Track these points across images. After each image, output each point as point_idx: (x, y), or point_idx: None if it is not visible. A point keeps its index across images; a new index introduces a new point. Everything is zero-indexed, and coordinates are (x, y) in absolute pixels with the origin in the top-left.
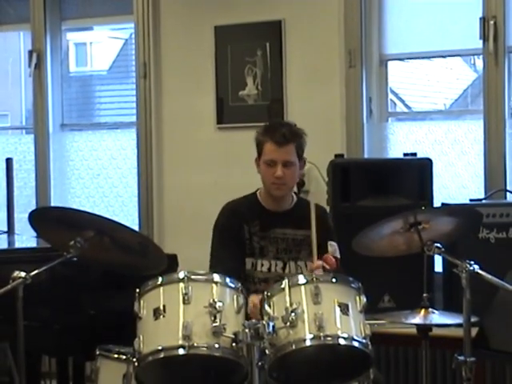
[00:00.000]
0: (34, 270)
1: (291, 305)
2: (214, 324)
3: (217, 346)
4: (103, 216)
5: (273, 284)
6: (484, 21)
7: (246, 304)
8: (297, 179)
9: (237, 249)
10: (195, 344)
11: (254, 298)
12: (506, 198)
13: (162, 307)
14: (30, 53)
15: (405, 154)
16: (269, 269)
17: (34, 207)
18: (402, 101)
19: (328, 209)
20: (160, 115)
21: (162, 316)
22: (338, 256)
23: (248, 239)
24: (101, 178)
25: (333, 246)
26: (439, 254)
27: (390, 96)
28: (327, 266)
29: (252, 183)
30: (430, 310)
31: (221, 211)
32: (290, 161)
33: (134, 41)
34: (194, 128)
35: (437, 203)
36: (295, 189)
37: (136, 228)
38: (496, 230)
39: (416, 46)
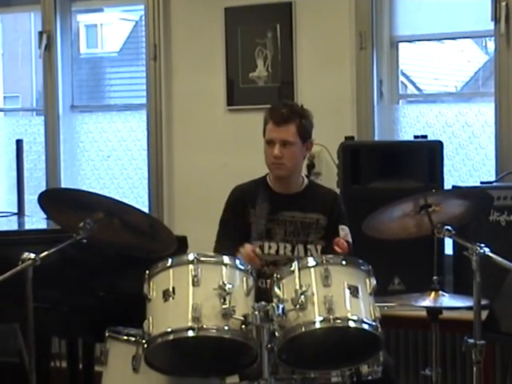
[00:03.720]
0: (44, 251)
1: (301, 287)
2: (224, 306)
3: (226, 328)
4: (113, 198)
5: (282, 266)
6: (496, 2)
7: (256, 286)
8: (299, 160)
9: (239, 233)
10: (204, 326)
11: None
12: None
13: (171, 289)
14: (41, 34)
15: (415, 137)
16: (277, 251)
17: (44, 189)
18: (413, 83)
19: (338, 191)
20: (170, 97)
21: (171, 298)
22: (350, 240)
23: (254, 222)
24: (111, 159)
25: (344, 230)
26: (450, 237)
27: (401, 78)
28: (339, 250)
29: (262, 165)
30: (440, 292)
31: (229, 195)
32: (288, 140)
33: (144, 23)
34: (204, 110)
35: (447, 186)
36: (305, 171)
37: (146, 210)
38: (507, 212)
39: (427, 28)
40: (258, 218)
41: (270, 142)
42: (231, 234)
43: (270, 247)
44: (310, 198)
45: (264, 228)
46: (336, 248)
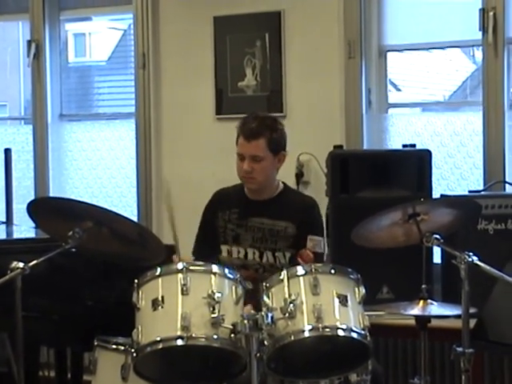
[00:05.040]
0: (33, 260)
1: (290, 296)
2: (213, 315)
3: (215, 336)
4: (102, 206)
5: (271, 275)
6: (483, 12)
7: (245, 295)
8: (271, 173)
9: (212, 237)
10: (194, 335)
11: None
12: (504, 189)
13: (160, 298)
14: (29, 43)
15: (404, 146)
16: (245, 256)
17: (32, 198)
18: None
19: (327, 200)
20: (159, 106)
21: (160, 307)
22: (320, 251)
23: (222, 227)
24: (99, 168)
25: (313, 241)
26: (438, 246)
27: (389, 87)
28: (302, 262)
29: None
30: (429, 301)
31: None
32: (257, 155)
33: (132, 31)
34: (192, 119)
35: (436, 195)
36: (293, 180)
37: (135, 218)
38: (495, 221)
39: (415, 37)
40: (227, 223)
41: (240, 156)
42: (206, 237)
43: (238, 252)
44: (282, 206)
45: (232, 233)
46: (299, 260)
